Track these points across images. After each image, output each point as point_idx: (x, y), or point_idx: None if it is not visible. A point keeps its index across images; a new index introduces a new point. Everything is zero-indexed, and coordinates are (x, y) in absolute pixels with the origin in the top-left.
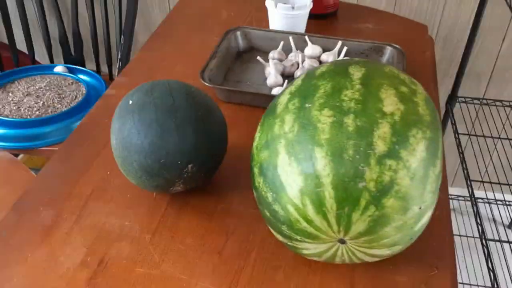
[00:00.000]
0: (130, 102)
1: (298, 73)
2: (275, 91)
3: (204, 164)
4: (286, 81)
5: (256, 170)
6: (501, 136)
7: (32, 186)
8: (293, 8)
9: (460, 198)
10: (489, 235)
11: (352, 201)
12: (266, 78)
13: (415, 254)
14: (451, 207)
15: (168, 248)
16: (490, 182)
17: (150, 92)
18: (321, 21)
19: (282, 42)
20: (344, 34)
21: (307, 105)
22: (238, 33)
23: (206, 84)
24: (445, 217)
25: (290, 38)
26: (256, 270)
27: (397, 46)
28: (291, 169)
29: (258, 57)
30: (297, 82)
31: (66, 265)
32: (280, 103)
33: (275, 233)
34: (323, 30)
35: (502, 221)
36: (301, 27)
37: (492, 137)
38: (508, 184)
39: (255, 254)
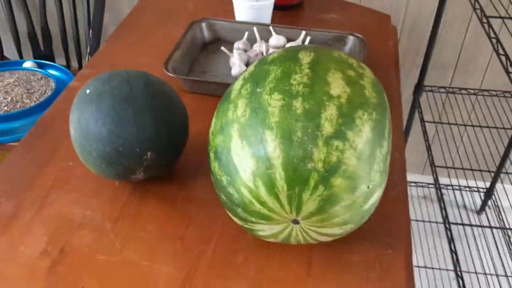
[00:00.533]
0: (88, 91)
1: None
2: None
3: (164, 152)
4: None
5: (211, 155)
6: (466, 124)
7: None
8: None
9: (430, 185)
10: (457, 221)
11: (302, 181)
12: (231, 69)
13: (370, 234)
14: (422, 194)
15: (130, 236)
16: (454, 168)
17: (108, 81)
18: (287, 12)
19: (246, 33)
20: (309, 24)
21: (258, 90)
22: (203, 24)
23: (170, 74)
24: (401, 198)
25: (255, 28)
26: (216, 254)
27: (359, 35)
28: (244, 152)
29: (222, 48)
30: (250, 68)
31: (26, 254)
32: (234, 89)
33: (232, 216)
34: (289, 21)
35: (470, 207)
36: (266, 18)
37: (457, 124)
38: (472, 170)
39: (215, 239)
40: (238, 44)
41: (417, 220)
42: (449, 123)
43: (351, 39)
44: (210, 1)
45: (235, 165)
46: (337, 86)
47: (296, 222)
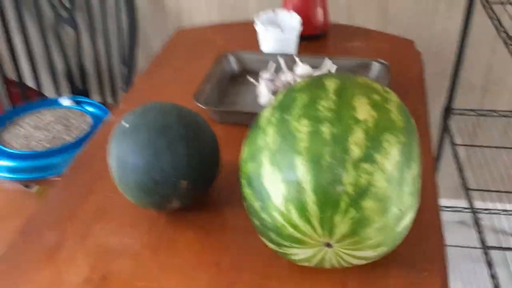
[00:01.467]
0: (125, 124)
1: None
2: None
3: (197, 180)
4: None
5: (244, 182)
6: (498, 146)
7: (37, 211)
8: (282, 31)
9: (465, 210)
10: (495, 245)
11: (333, 204)
12: (258, 98)
13: (405, 258)
14: (457, 219)
15: (166, 263)
16: (488, 191)
17: (143, 114)
18: (312, 42)
19: (273, 64)
20: (333, 53)
21: (287, 117)
22: (231, 57)
23: (200, 105)
24: (435, 222)
25: (280, 58)
26: (251, 280)
27: (382, 61)
28: (275, 177)
29: (248, 77)
30: (279, 97)
31: (70, 282)
32: (263, 117)
33: (265, 241)
34: (313, 51)
35: (508, 231)
36: (291, 48)
37: (490, 147)
38: (507, 192)
39: (250, 265)
40: (265, 75)
41: (453, 246)
42: (481, 146)
43: (375, 65)
44: (236, 35)
45: (267, 190)
46: (363, 110)
47: (329, 245)
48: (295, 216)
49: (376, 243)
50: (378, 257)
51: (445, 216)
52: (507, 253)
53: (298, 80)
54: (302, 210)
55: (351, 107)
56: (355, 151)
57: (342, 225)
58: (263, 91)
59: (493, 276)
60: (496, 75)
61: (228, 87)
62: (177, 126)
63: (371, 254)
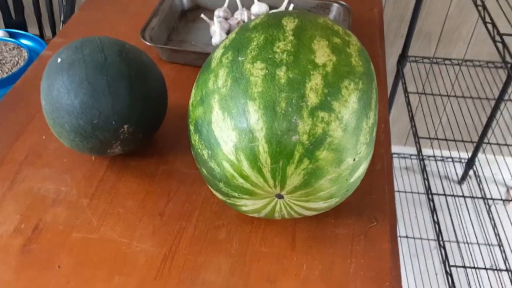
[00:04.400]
0: (59, 60)
1: None
2: None
3: (142, 125)
4: None
5: (191, 128)
6: (450, 95)
7: None
8: None
9: (413, 156)
10: (439, 191)
11: (286, 154)
12: (211, 37)
13: (355, 207)
14: (404, 165)
15: (107, 212)
16: (437, 139)
17: (80, 49)
18: None
19: (227, 0)
20: None
21: (240, 58)
22: None
23: (147, 43)
24: (386, 171)
25: None
26: (198, 230)
27: (343, 3)
28: (225, 124)
29: (202, 15)
30: (232, 36)
31: None
32: (214, 58)
33: (214, 192)
34: None
35: (452, 177)
36: None
37: (441, 95)
38: (454, 140)
39: (197, 214)
40: (219, 12)
41: (399, 191)
42: (432, 94)
43: (335, 7)
44: None
45: (216, 138)
46: (322, 54)
47: (280, 196)
48: (245, 166)
49: (328, 194)
50: (330, 208)
51: (393, 162)
52: (450, 198)
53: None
54: (254, 160)
55: (309, 50)
56: (312, 98)
57: (294, 177)
58: (217, 30)
59: (436, 222)
60: (453, 24)
61: (178, 24)
62: (118, 63)
63: (322, 205)
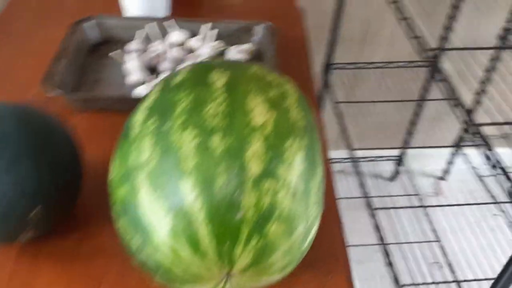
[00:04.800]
0: None
1: (163, 65)
2: (138, 91)
3: (55, 200)
4: (150, 78)
5: (116, 211)
6: (376, 100)
7: None
8: None
9: (345, 160)
10: (374, 192)
11: (232, 234)
12: (126, 77)
13: (308, 263)
14: (338, 169)
15: None
16: (366, 141)
17: None
18: (185, 0)
19: (141, 30)
20: (211, 13)
21: (166, 125)
22: (89, 23)
23: (52, 94)
24: (334, 219)
25: (150, 25)
26: None
27: (268, 23)
28: (157, 206)
29: (111, 54)
30: (153, 95)
31: None
32: (134, 123)
33: (151, 277)
34: (188, 10)
35: (384, 176)
36: (161, 10)
37: (367, 102)
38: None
39: None
40: (132, 46)
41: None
42: (358, 102)
43: (259, 28)
44: None
45: (147, 223)
46: (259, 112)
47: (229, 276)
48: (186, 253)
49: (282, 265)
50: (284, 276)
51: None
52: (387, 199)
53: (174, 50)
54: (195, 245)
55: (245, 109)
56: (254, 167)
57: (244, 257)
58: (132, 67)
59: (376, 226)
60: (373, 28)
61: (89, 62)
62: (18, 135)
63: (276, 277)
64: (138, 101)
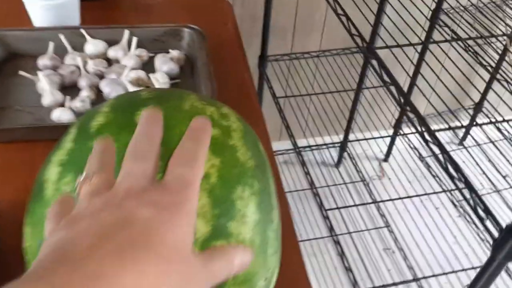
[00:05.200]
0: None
1: (82, 82)
2: (56, 115)
3: None
4: (68, 97)
5: None
6: (314, 92)
7: None
8: None
9: (289, 151)
10: (321, 182)
11: None
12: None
13: None
14: (282, 160)
15: None
16: (309, 128)
17: None
18: (100, 3)
19: (52, 43)
20: (131, 17)
21: None
22: None
23: None
24: (296, 264)
25: (62, 36)
26: None
27: (194, 26)
28: None
29: (21, 72)
30: (67, 145)
31: None
32: (47, 181)
33: None
34: (105, 16)
35: (329, 162)
36: (74, 17)
37: (307, 94)
38: (325, 127)
39: None
40: (43, 61)
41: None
42: (295, 96)
43: (186, 32)
44: None
45: None
46: None
47: None
48: None
49: None
50: None
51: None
52: (333, 188)
53: (91, 62)
54: None
55: None
56: (201, 227)
57: None
58: (46, 87)
59: (326, 217)
60: (304, 15)
61: None
62: None
63: None
64: (59, 128)
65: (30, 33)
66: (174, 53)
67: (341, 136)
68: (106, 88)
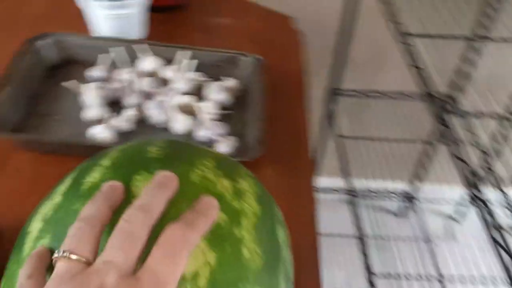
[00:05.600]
0: None
1: (129, 100)
2: (94, 132)
3: None
4: (113, 114)
5: None
6: (383, 136)
7: None
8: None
9: (340, 191)
10: (374, 230)
11: None
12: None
13: None
14: (328, 198)
15: None
16: (372, 172)
17: None
18: (167, 15)
19: (105, 55)
20: (194, 35)
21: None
22: (45, 42)
23: None
24: None
25: (117, 49)
26: None
27: (257, 56)
28: None
29: (64, 83)
30: (57, 198)
31: None
32: (28, 235)
33: None
34: (169, 30)
35: (391, 211)
36: (135, 29)
37: (372, 139)
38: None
39: None
40: (97, 72)
41: (326, 235)
42: (363, 138)
43: (247, 61)
44: (58, 6)
45: None
46: (192, 255)
47: None
48: None
49: None
50: None
51: (324, 196)
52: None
53: (144, 80)
54: None
55: None
56: None
57: None
58: (90, 101)
59: (369, 268)
60: (383, 50)
61: (43, 88)
62: None
63: None
64: (91, 147)
65: (90, 41)
66: (230, 82)
67: (408, 185)
68: (152, 110)
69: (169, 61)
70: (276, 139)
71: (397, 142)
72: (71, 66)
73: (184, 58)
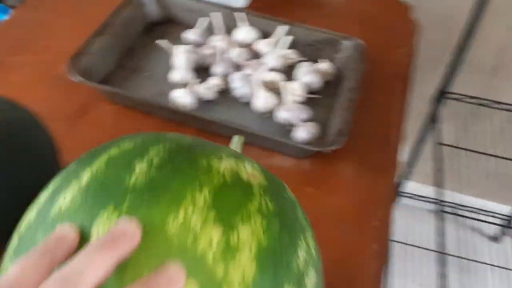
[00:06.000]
0: None
1: (217, 68)
2: (175, 96)
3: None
4: (198, 81)
5: None
6: (490, 152)
7: None
8: None
9: (429, 199)
10: (468, 246)
11: None
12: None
13: None
14: (416, 205)
15: None
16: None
17: None
18: None
19: (204, 18)
20: (300, 11)
21: None
22: None
23: (74, 80)
24: None
25: (215, 14)
26: None
27: (359, 41)
28: None
29: (158, 41)
30: (31, 216)
31: None
32: (6, 255)
33: None
34: (271, 4)
35: (485, 233)
36: None
37: (477, 152)
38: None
39: None
40: (189, 35)
41: (406, 244)
42: (467, 150)
43: (347, 45)
44: None
45: None
46: None
47: None
48: None
49: None
50: None
51: (413, 203)
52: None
53: (235, 50)
54: None
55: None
56: None
57: None
58: (179, 63)
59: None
60: (508, 58)
61: (138, 43)
62: None
63: None
64: (170, 110)
65: (192, 2)
66: (323, 64)
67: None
68: (237, 82)
69: (265, 34)
70: (363, 133)
71: (506, 160)
72: (169, 25)
73: (280, 33)
